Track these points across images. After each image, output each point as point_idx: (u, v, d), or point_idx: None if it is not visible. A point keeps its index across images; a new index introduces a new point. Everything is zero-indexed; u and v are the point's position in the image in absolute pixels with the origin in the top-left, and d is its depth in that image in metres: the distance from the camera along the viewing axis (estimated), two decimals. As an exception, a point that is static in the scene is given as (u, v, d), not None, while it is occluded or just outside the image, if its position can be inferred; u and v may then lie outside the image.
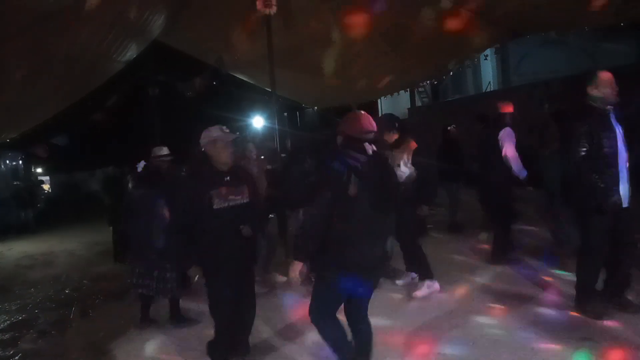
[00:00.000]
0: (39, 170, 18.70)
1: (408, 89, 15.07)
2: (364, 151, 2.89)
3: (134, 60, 8.42)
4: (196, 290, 5.48)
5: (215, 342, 3.61)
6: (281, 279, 5.62)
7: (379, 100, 19.98)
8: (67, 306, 5.77)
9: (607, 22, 8.31)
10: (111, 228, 8.74)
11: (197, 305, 4.93)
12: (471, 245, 6.61)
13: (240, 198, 3.51)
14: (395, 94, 14.59)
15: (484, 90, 17.55)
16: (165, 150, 5.22)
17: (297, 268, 2.91)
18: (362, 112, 3.09)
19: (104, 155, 19.17)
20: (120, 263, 6.29)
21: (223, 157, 3.51)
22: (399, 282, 5.25)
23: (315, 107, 16.73)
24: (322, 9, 8.23)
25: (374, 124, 3.04)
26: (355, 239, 2.82)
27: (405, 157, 4.83)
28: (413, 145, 4.89)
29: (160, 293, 4.63)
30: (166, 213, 4.43)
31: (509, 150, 5.31)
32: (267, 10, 6.88)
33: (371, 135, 2.98)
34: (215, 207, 3.39)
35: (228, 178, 3.50)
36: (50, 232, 12.92)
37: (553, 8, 7.43)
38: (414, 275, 5.14)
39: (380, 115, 20.87)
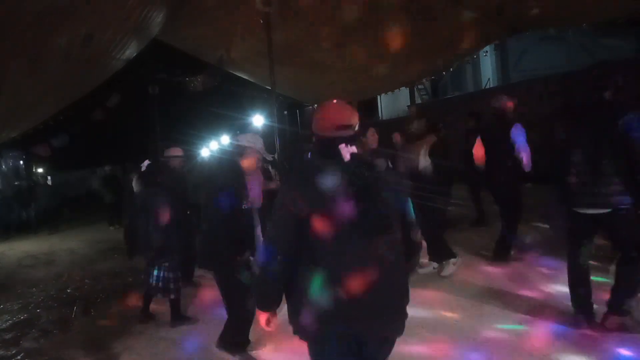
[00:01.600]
0: (40, 170, 18.68)
1: (408, 86, 15.05)
2: (339, 156, 2.06)
3: (134, 59, 8.43)
4: (195, 289, 5.76)
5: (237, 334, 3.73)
6: None
7: (378, 97, 19.99)
8: (69, 305, 5.79)
9: (605, 18, 8.31)
10: (113, 227, 8.79)
11: (196, 303, 4.94)
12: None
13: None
14: (395, 90, 14.61)
15: (483, 87, 17.54)
16: (178, 151, 5.59)
17: (263, 318, 2.20)
18: (335, 101, 2.20)
19: (105, 154, 19.20)
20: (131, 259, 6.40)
21: (250, 167, 3.71)
22: (420, 270, 5.40)
23: (315, 105, 16.73)
24: (321, 7, 8.23)
25: (352, 115, 2.15)
26: (345, 282, 1.95)
27: (425, 148, 5.07)
28: (433, 138, 5.15)
29: (160, 292, 4.66)
30: (168, 211, 4.51)
31: (523, 146, 5.10)
32: (266, 8, 6.90)
33: (348, 132, 2.11)
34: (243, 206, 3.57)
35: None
36: (52, 230, 12.92)
37: (552, 5, 7.45)
38: (436, 265, 5.35)
39: (380, 112, 20.94)
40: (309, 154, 2.34)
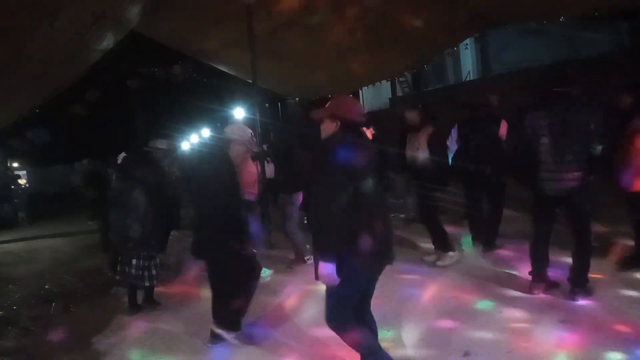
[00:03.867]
0: (15, 164, 18.29)
1: (390, 79, 15.10)
2: (364, 136, 2.86)
3: (112, 52, 8.27)
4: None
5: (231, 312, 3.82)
6: None
7: (360, 91, 20.01)
8: (49, 302, 5.70)
9: (584, 12, 8.42)
10: (94, 222, 8.69)
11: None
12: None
13: None
14: (377, 83, 14.63)
15: (464, 79, 17.67)
16: (162, 144, 5.79)
17: (329, 269, 2.57)
18: (351, 95, 3.13)
19: (83, 148, 18.87)
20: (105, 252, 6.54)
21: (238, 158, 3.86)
22: (427, 258, 5.59)
23: (297, 98, 16.67)
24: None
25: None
26: (372, 228, 2.64)
27: (423, 139, 5.30)
28: (430, 130, 5.36)
29: (140, 280, 4.80)
30: (145, 202, 4.66)
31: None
32: (246, 0, 6.83)
33: (365, 119, 2.91)
34: None
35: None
36: (32, 227, 12.70)
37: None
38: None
39: (362, 104, 20.97)
40: (340, 134, 2.75)
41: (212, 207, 3.62)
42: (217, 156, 3.83)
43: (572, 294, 4.03)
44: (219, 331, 3.82)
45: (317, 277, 2.64)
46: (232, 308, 3.82)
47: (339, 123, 2.78)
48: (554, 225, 4.28)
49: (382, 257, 2.76)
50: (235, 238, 3.67)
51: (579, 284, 4.05)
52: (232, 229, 3.65)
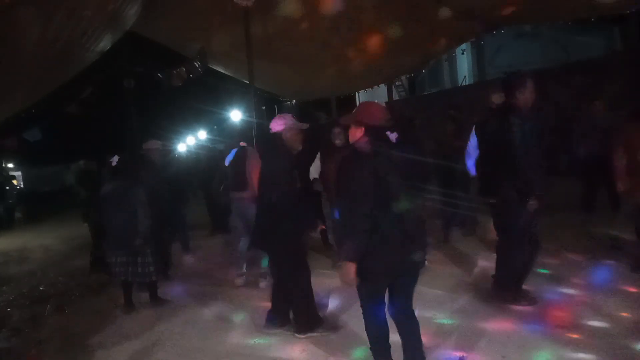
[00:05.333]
0: (10, 165, 18.20)
1: (386, 83, 15.15)
2: (389, 140, 2.83)
3: (108, 51, 8.27)
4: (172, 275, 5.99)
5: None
6: None
7: (356, 94, 20.06)
8: (42, 303, 5.66)
9: (578, 16, 8.50)
10: (87, 223, 8.61)
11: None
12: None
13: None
14: (375, 87, 14.68)
15: (460, 84, 17.75)
16: (156, 144, 5.80)
17: (351, 270, 2.69)
18: (376, 101, 3.18)
19: (78, 148, 18.82)
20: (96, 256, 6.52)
21: (296, 142, 3.98)
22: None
23: (294, 100, 16.69)
24: (301, 3, 8.21)
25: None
26: (397, 232, 2.73)
27: None
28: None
29: (141, 277, 4.87)
30: (141, 203, 4.71)
31: None
32: (244, 3, 6.85)
33: (390, 124, 2.92)
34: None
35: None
36: (25, 227, 12.63)
37: (524, 2, 7.58)
38: None
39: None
40: (365, 138, 2.85)
41: (277, 197, 3.77)
42: (274, 148, 3.99)
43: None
44: (310, 334, 3.80)
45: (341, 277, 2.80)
46: (309, 304, 3.92)
47: (364, 129, 2.88)
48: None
49: (401, 261, 2.78)
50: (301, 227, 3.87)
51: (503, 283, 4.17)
52: (299, 218, 3.82)
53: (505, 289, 4.16)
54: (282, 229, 3.77)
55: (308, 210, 4.09)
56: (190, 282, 5.85)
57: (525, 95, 3.91)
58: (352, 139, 2.96)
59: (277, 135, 3.94)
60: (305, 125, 4.09)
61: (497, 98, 5.05)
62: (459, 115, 6.30)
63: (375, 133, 2.85)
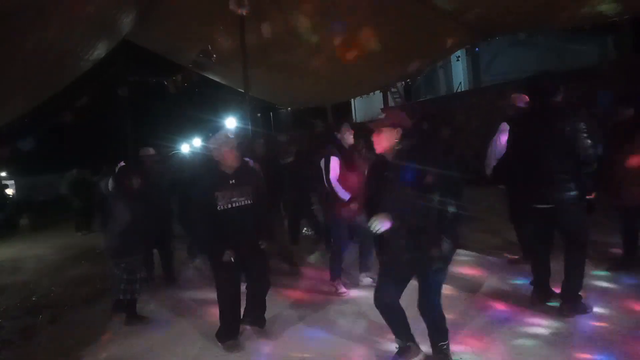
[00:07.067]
0: (3, 174, 18.08)
1: (382, 90, 15.18)
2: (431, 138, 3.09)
3: (103, 60, 8.22)
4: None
5: (221, 325, 3.94)
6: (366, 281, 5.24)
7: (352, 101, 20.09)
8: (34, 314, 5.58)
9: (572, 24, 8.55)
10: (81, 234, 8.53)
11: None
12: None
13: (244, 199, 3.83)
14: (370, 94, 14.70)
15: (455, 91, 17.82)
16: (151, 151, 5.83)
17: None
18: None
19: (72, 157, 18.71)
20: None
21: (229, 160, 3.84)
22: None
23: (289, 108, 16.68)
24: (296, 10, 8.22)
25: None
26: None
27: None
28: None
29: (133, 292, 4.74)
30: (135, 211, 4.64)
31: None
32: (239, 11, 6.83)
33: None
34: (219, 208, 3.74)
35: (233, 181, 3.82)
36: (18, 237, 12.51)
37: (521, 10, 7.61)
38: None
39: (354, 115, 21.03)
40: (412, 139, 3.01)
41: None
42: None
43: (562, 310, 3.91)
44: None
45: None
46: (226, 318, 3.97)
47: (400, 130, 2.99)
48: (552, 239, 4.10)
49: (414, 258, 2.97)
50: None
51: (570, 300, 3.91)
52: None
53: (578, 299, 3.93)
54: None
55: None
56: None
57: (562, 95, 3.84)
58: (384, 144, 3.03)
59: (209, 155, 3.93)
60: (237, 140, 4.01)
61: (519, 100, 5.01)
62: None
63: (412, 134, 3.00)
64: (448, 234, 2.89)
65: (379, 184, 3.12)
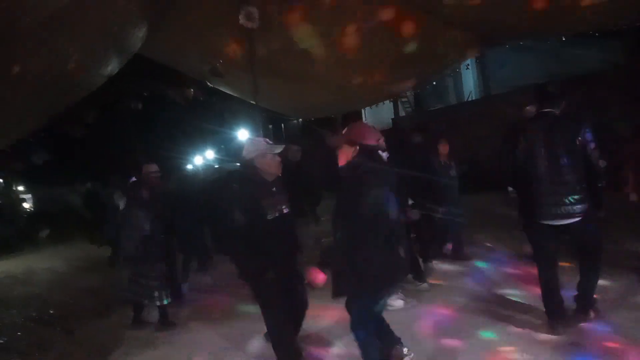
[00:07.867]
0: (20, 188, 18.28)
1: (392, 99, 15.17)
2: (382, 159, 2.97)
3: (115, 74, 8.32)
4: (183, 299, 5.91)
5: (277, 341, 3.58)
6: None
7: (362, 111, 20.09)
8: (49, 326, 5.63)
9: (580, 30, 8.50)
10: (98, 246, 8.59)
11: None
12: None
13: (285, 207, 3.63)
14: (380, 103, 14.68)
15: (465, 99, 17.78)
16: (154, 167, 5.78)
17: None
18: (365, 122, 3.30)
19: (85, 170, 18.90)
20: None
21: (272, 167, 3.61)
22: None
23: (300, 119, 16.73)
24: (305, 22, 8.26)
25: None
26: (382, 250, 2.83)
27: None
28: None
29: (156, 300, 4.93)
30: (156, 225, 4.92)
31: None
32: (249, 24, 6.88)
33: (382, 143, 3.04)
34: (269, 217, 3.48)
35: (274, 188, 3.61)
36: (31, 249, 12.63)
37: (530, 17, 7.58)
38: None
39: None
40: (358, 157, 2.94)
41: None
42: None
43: (578, 315, 3.84)
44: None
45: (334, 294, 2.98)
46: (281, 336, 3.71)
47: (357, 148, 2.97)
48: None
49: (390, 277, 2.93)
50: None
51: (586, 305, 3.85)
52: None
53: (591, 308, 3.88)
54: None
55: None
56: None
57: (570, 102, 3.82)
58: (342, 159, 3.01)
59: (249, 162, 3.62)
60: (279, 148, 3.72)
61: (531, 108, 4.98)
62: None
63: (369, 152, 2.94)
64: (383, 258, 2.83)
65: (337, 197, 3.06)
